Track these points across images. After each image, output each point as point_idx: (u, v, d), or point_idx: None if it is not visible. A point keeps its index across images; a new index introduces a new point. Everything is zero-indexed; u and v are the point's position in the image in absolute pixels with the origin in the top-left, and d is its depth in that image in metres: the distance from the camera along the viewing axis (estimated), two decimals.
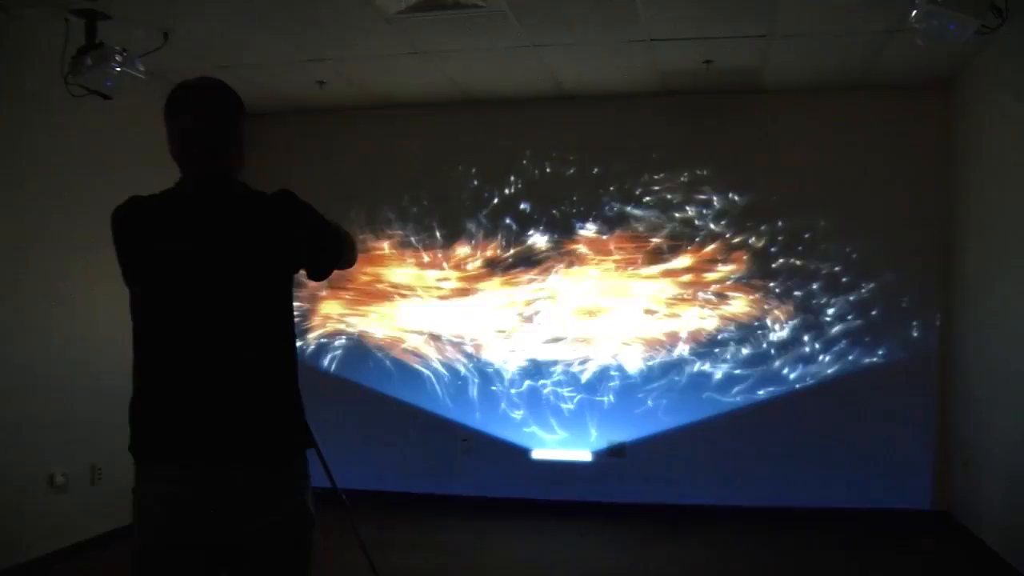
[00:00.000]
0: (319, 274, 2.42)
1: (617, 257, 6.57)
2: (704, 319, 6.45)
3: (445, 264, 6.81)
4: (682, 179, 6.50)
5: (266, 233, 2.23)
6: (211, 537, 2.15)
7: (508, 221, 6.73)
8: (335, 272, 2.49)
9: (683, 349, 6.48)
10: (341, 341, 6.96)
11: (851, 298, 6.29)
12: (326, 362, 6.94)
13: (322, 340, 6.96)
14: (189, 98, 2.27)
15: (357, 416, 6.83)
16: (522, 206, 6.71)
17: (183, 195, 2.27)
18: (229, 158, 2.30)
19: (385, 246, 6.87)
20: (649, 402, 6.50)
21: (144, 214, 2.25)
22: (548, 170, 6.68)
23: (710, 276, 6.44)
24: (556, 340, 6.65)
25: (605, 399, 6.57)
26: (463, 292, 6.78)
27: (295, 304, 2.39)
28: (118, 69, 4.65)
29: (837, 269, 6.30)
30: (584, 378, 6.61)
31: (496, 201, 6.74)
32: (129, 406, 2.23)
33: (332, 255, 2.43)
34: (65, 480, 5.27)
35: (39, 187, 5.14)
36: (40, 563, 5.02)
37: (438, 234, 6.82)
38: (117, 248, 2.26)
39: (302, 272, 2.38)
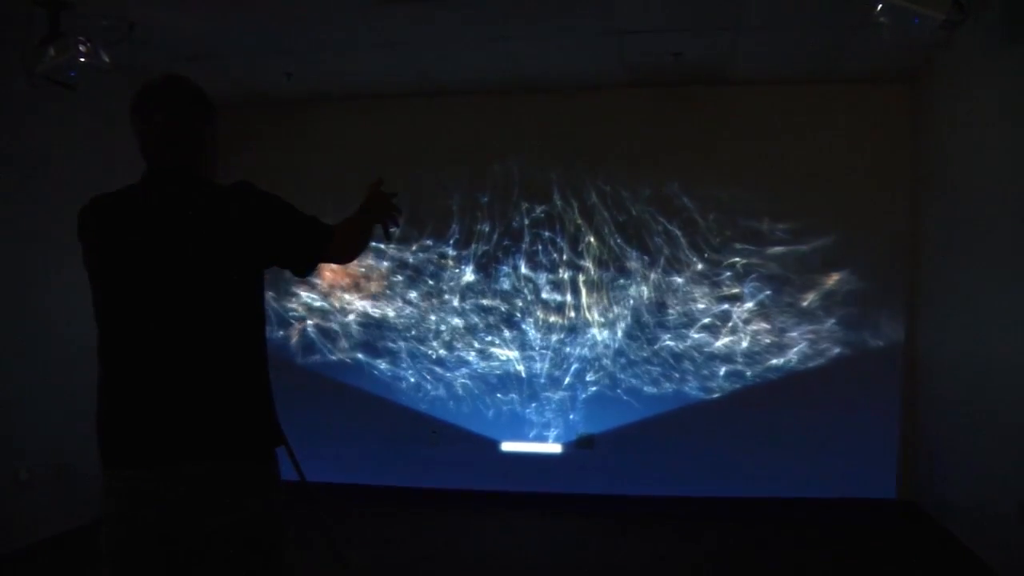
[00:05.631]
0: (301, 267, 2.37)
1: (587, 248, 6.59)
2: (670, 311, 6.48)
3: (413, 255, 6.78)
4: (648, 171, 6.51)
5: (221, 226, 2.19)
6: (175, 535, 2.12)
7: (477, 213, 6.72)
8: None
9: (653, 342, 6.51)
10: (311, 332, 6.94)
11: (817, 289, 6.34)
12: (294, 353, 6.91)
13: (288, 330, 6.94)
14: (148, 95, 2.29)
15: (325, 409, 6.79)
16: (490, 198, 6.70)
17: (141, 190, 2.27)
18: (188, 153, 2.29)
19: None
20: (619, 394, 6.55)
21: (104, 211, 2.25)
22: (516, 162, 6.67)
23: (677, 268, 6.47)
24: (523, 332, 6.66)
25: (575, 391, 6.60)
26: (431, 283, 6.77)
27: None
28: (82, 59, 4.58)
29: (803, 260, 6.35)
30: (553, 370, 6.63)
31: (465, 192, 6.73)
32: (95, 410, 2.21)
33: (311, 245, 2.34)
34: (30, 476, 5.20)
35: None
36: (3, 560, 4.95)
37: (407, 225, 6.77)
38: (82, 247, 2.26)
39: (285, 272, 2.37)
